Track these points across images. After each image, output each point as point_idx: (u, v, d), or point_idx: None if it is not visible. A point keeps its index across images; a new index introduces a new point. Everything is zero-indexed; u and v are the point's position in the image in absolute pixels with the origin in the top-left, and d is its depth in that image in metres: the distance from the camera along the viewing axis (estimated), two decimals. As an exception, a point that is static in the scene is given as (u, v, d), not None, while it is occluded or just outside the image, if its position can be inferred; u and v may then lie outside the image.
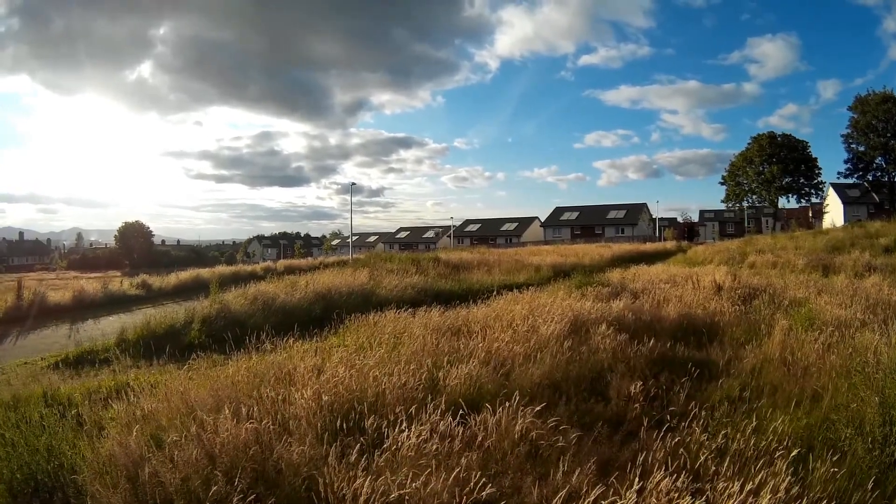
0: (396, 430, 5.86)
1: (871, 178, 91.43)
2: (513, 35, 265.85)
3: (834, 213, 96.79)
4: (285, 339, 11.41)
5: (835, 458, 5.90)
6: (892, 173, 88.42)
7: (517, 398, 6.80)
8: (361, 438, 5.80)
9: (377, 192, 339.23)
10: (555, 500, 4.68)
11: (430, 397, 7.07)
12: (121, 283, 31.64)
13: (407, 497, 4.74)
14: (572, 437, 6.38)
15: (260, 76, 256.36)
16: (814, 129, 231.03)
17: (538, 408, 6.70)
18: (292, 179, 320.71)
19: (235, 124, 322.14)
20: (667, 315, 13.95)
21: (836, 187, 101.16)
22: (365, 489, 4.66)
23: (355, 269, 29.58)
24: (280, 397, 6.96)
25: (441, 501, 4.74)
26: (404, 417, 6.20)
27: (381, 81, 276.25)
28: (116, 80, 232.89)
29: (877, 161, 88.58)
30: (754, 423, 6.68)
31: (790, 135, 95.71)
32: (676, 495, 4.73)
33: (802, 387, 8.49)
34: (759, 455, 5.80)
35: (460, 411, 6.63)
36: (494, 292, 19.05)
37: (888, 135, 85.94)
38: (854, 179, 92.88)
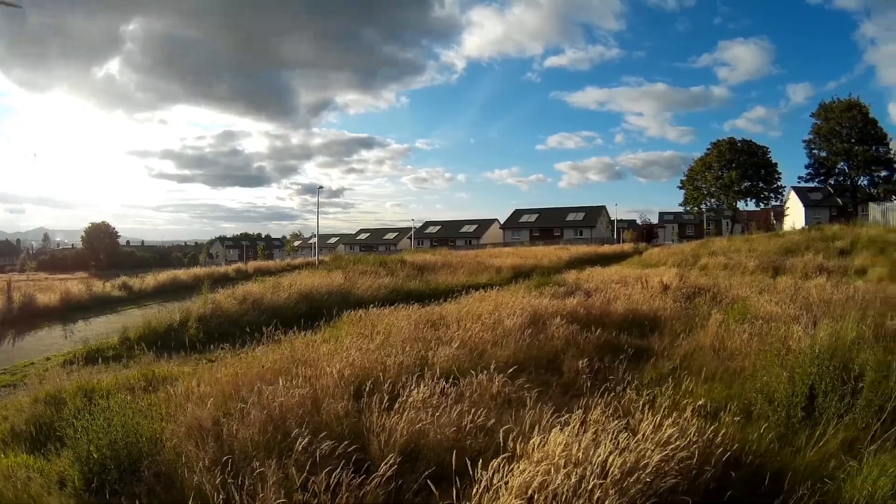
0: (406, 390, 7.69)
1: (833, 183, 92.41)
2: (481, 36, 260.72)
3: (795, 215, 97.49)
4: (288, 333, 12.98)
5: (743, 418, 7.36)
6: (854, 178, 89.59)
7: (492, 368, 8.71)
8: (385, 396, 7.50)
9: (337, 193, 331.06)
10: (526, 421, 6.66)
11: (423, 371, 8.93)
12: (103, 284, 32.51)
13: (428, 426, 6.66)
14: (534, 393, 7.92)
15: (227, 75, 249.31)
16: (782, 133, 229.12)
17: (508, 373, 8.65)
18: (254, 179, 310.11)
19: (200, 123, 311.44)
20: (615, 310, 15.41)
21: (798, 191, 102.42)
22: (398, 423, 6.61)
23: (329, 270, 31.11)
24: (310, 373, 8.70)
25: (452, 427, 6.67)
26: (411, 382, 8.03)
27: (348, 82, 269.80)
28: (86, 78, 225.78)
29: (839, 166, 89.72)
30: (671, 386, 8.26)
31: (751, 140, 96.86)
32: (607, 422, 6.36)
33: (727, 367, 9.95)
34: (678, 408, 6.90)
35: (450, 378, 8.59)
36: (460, 292, 20.42)
37: (852, 141, 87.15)
38: (815, 183, 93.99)
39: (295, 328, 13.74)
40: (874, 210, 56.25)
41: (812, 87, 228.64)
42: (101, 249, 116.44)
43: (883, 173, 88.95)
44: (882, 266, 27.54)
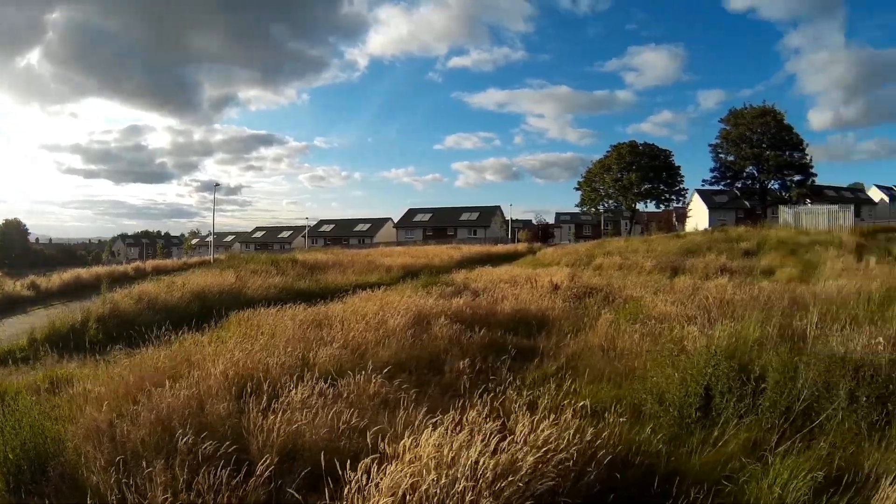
0: (287, 390, 8.07)
1: (740, 186, 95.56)
2: (387, 34, 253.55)
3: (698, 217, 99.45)
4: (179, 333, 13.17)
5: (633, 419, 7.56)
6: (763, 181, 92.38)
7: (370, 369, 9.04)
8: (263, 397, 7.85)
9: (235, 191, 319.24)
10: (396, 421, 6.98)
11: (305, 371, 9.20)
12: (13, 284, 32.46)
13: (304, 426, 6.98)
14: (412, 394, 8.20)
15: (138, 69, 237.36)
16: (689, 137, 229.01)
17: (386, 373, 8.92)
18: (156, 176, 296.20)
19: (109, 118, 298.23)
20: (501, 310, 15.73)
21: (702, 193, 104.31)
22: (276, 423, 6.93)
23: (222, 270, 31.27)
24: (198, 375, 8.99)
25: (327, 428, 7.00)
26: (290, 383, 8.35)
27: (252, 78, 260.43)
28: (6, 69, 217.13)
29: (748, 170, 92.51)
30: (554, 387, 8.38)
31: (653, 144, 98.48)
32: (483, 423, 6.40)
33: (616, 368, 10.08)
34: (560, 409, 7.08)
35: (329, 379, 8.84)
36: (349, 292, 20.67)
37: (763, 146, 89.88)
38: (721, 186, 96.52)
39: (186, 328, 13.92)
40: (785, 213, 57.26)
41: (725, 93, 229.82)
42: (13, 247, 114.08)
43: (796, 177, 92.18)
44: (793, 267, 28.21)
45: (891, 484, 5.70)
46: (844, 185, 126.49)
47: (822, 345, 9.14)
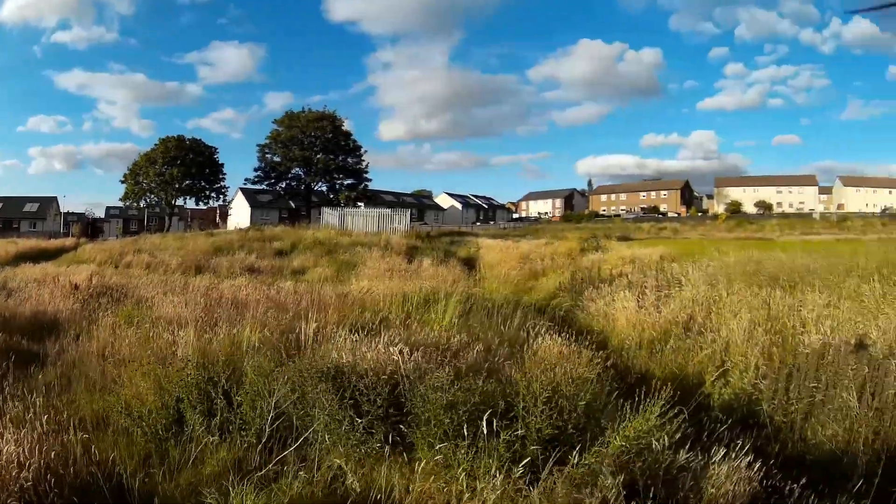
0: None
1: (285, 186, 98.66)
2: None
3: (241, 215, 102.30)
4: None
5: (104, 434, 7.33)
6: (310, 183, 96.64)
7: None
8: None
9: None
10: None
11: None
12: None
13: None
14: None
15: None
16: (246, 135, 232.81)
17: None
18: None
19: None
20: (22, 312, 14.86)
21: (246, 192, 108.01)
22: None
23: None
24: None
25: None
26: None
27: None
28: None
29: (294, 171, 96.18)
30: (40, 399, 7.35)
31: (200, 140, 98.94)
32: None
33: (105, 376, 9.38)
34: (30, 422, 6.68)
35: None
36: None
37: (315, 149, 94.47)
38: (264, 186, 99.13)
39: None
40: (329, 214, 61.30)
41: (295, 97, 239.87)
42: None
43: (348, 181, 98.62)
44: (327, 267, 29.16)
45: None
46: (408, 192, 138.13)
47: (323, 352, 8.39)
